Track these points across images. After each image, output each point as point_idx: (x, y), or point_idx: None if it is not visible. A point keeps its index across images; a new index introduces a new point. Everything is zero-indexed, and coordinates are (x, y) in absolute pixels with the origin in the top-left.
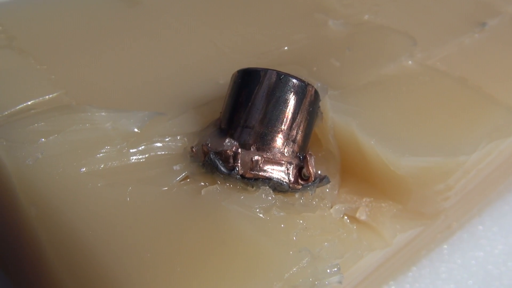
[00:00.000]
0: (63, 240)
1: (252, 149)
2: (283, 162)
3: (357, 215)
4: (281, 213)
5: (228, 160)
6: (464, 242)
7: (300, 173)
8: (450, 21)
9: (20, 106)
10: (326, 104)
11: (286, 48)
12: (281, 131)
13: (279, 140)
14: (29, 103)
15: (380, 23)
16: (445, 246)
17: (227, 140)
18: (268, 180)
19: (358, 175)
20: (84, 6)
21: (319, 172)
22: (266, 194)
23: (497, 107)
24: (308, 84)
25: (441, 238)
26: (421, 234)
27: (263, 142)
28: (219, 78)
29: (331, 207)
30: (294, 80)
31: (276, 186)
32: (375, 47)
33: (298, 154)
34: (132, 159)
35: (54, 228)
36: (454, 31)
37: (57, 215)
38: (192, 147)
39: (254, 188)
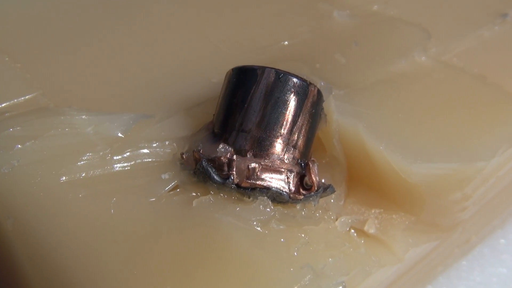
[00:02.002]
0: (41, 255)
1: (248, 156)
2: (282, 169)
3: (365, 228)
4: (281, 226)
5: (222, 168)
6: (484, 258)
7: (302, 182)
8: (468, 12)
9: None
10: (331, 105)
11: (286, 42)
12: (281, 135)
13: (278, 146)
14: (3, 105)
15: (390, 14)
16: (464, 262)
17: (221, 146)
18: (267, 190)
19: (366, 184)
20: None
21: (323, 180)
22: (264, 205)
23: None
24: (310, 83)
25: (459, 253)
26: (437, 249)
27: (261, 148)
28: (212, 77)
29: (336, 220)
30: (295, 79)
31: (275, 197)
32: (384, 41)
33: (299, 161)
34: (116, 167)
35: (32, 242)
36: (472, 23)
37: (35, 228)
38: (182, 154)
39: (251, 198)
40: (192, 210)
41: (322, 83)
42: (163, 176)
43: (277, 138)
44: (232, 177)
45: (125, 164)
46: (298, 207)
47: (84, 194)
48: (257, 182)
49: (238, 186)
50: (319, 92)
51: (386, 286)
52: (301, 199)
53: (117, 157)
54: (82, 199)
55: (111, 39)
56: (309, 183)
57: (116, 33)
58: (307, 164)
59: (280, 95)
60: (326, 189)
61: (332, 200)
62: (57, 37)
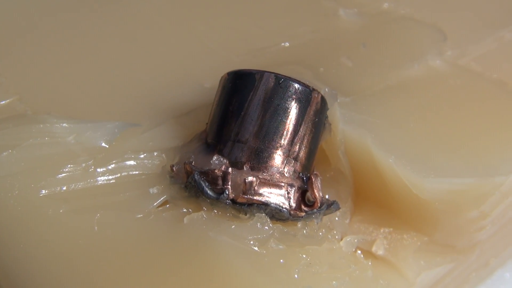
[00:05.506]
0: (20, 276)
1: (245, 169)
2: (282, 184)
3: (373, 249)
4: (280, 246)
5: (216, 182)
6: (505, 283)
7: (304, 197)
8: (487, 11)
9: None
10: (336, 113)
11: (286, 44)
12: (281, 146)
13: (278, 158)
14: None
15: (402, 13)
16: None
17: (215, 158)
18: (265, 206)
19: (374, 201)
20: None
21: (327, 196)
22: (262, 223)
23: None
24: (313, 89)
25: (476, 277)
26: (452, 273)
27: (259, 160)
28: (205, 81)
29: (341, 239)
30: (296, 85)
31: (274, 213)
32: (395, 43)
33: (301, 174)
34: (100, 180)
35: (9, 262)
36: (492, 24)
37: (12, 246)
38: (172, 166)
39: (248, 215)
40: (183, 227)
41: (326, 89)
42: (151, 191)
43: (277, 149)
44: (227, 192)
45: (110, 177)
46: (299, 225)
47: (65, 209)
48: (255, 198)
49: (233, 201)
50: (323, 99)
51: None
52: (302, 217)
53: (101, 169)
54: (63, 215)
55: (94, 40)
56: (311, 199)
57: (99, 33)
58: (309, 178)
59: (280, 102)
60: (330, 205)
61: (336, 218)
62: (35, 37)
